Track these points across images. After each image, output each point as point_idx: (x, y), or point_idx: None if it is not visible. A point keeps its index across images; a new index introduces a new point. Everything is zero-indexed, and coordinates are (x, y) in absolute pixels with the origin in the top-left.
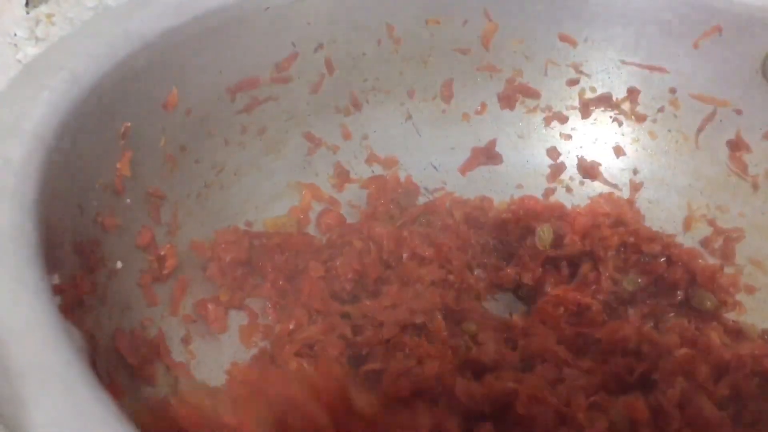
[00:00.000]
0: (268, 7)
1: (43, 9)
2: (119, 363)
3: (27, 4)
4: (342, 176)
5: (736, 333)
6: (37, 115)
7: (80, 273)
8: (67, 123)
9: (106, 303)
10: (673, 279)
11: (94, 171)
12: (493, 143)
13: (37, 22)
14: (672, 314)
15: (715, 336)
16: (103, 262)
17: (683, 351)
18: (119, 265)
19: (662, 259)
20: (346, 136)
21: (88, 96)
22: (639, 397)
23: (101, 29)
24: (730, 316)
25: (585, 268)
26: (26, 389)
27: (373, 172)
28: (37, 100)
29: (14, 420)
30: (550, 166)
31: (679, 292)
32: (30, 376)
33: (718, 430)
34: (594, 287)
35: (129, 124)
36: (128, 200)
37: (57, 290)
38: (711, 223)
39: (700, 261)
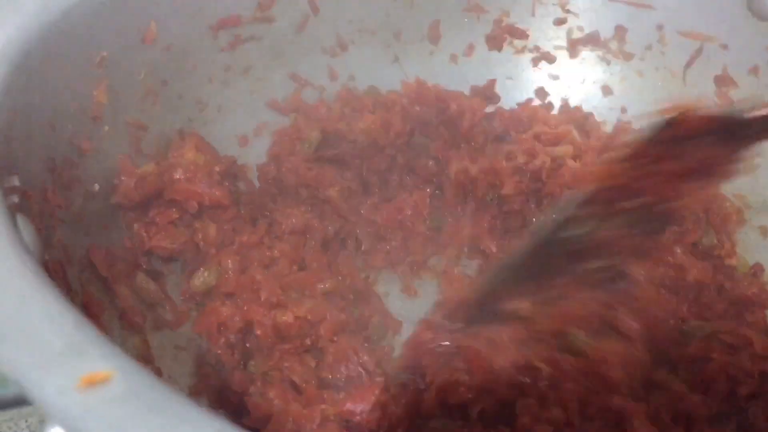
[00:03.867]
0: None
1: None
2: (92, 275)
3: None
4: None
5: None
6: (4, 34)
7: (52, 187)
8: (36, 45)
9: (83, 220)
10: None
11: (68, 95)
12: (492, 83)
13: None
14: None
15: None
16: (79, 182)
17: None
18: (96, 187)
19: None
20: (333, 76)
21: (58, 21)
22: None
23: None
24: None
25: None
26: None
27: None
28: (6, 22)
29: None
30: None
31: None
32: None
33: None
34: None
35: (105, 53)
36: (106, 127)
37: (16, 191)
38: None
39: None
